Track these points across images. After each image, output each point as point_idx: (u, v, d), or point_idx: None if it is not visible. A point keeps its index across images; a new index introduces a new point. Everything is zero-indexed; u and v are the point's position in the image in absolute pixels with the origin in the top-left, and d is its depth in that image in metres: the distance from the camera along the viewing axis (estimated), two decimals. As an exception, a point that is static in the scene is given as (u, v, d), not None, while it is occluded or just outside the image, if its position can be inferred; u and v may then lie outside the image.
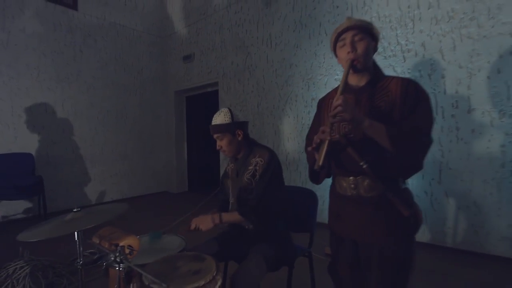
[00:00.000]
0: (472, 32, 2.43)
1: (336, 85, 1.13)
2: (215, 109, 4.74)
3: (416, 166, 1.00)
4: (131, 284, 0.98)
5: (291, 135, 3.69)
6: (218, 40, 4.58)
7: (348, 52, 1.08)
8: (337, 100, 0.98)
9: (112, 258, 0.96)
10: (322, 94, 3.32)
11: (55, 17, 4.23)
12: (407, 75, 2.76)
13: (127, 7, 5.11)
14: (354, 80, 1.14)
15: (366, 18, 2.99)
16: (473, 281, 2.02)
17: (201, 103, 5.64)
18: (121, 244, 1.00)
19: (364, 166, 1.02)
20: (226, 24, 4.45)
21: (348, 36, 1.10)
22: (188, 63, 5.12)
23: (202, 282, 0.98)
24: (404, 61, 2.78)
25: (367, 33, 1.10)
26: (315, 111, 1.51)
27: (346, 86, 1.10)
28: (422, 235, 2.70)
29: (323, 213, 3.12)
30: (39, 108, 4.07)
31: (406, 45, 2.77)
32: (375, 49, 1.14)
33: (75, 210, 1.33)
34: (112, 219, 1.23)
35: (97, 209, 1.42)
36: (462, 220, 2.52)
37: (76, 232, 1.33)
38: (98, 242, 1.09)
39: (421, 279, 2.04)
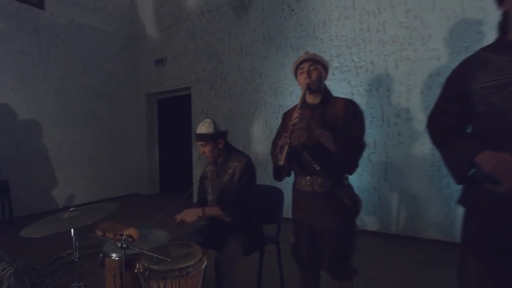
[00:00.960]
0: (410, 55, 2.93)
1: (300, 96, 1.46)
2: (187, 112, 4.91)
3: (354, 164, 1.36)
4: (134, 269, 1.20)
5: (260, 139, 4.01)
6: (191, 46, 4.75)
7: (305, 78, 1.41)
8: (296, 113, 1.30)
9: (119, 245, 1.17)
10: (288, 101, 3.68)
11: (20, 16, 4.12)
12: (360, 88, 3.21)
13: (96, 7, 5.07)
14: (310, 99, 1.47)
15: (326, 36, 3.41)
16: (412, 261, 2.48)
17: (173, 106, 5.75)
18: (124, 234, 1.21)
19: (317, 168, 1.34)
20: (199, 32, 4.64)
21: (305, 66, 1.43)
22: (160, 66, 5.22)
23: (192, 262, 1.23)
24: (358, 75, 3.23)
25: (319, 64, 1.44)
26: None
27: (303, 103, 1.42)
28: (372, 224, 3.16)
29: (289, 209, 3.48)
30: (1, 109, 3.94)
31: (359, 62, 3.22)
32: (326, 76, 1.48)
33: (71, 209, 1.50)
34: (107, 216, 1.43)
35: (90, 208, 1.59)
36: (403, 210, 3.01)
37: (72, 229, 1.51)
38: (101, 234, 1.28)
39: (372, 262, 2.45)
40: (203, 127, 1.67)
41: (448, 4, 2.75)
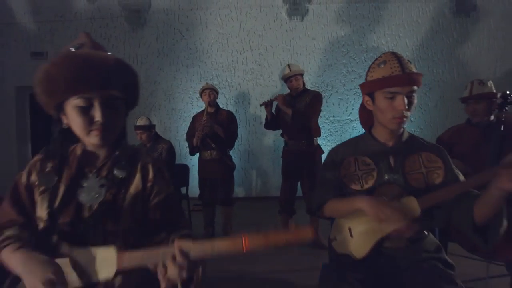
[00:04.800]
0: (261, 82, 4.65)
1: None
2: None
3: (231, 145, 2.73)
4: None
5: (155, 135, 4.87)
6: (80, 46, 4.94)
7: (208, 99, 2.65)
8: (204, 117, 2.52)
9: None
10: (180, 106, 4.73)
11: None
12: (231, 101, 4.69)
13: None
14: (209, 109, 2.72)
15: (208, 61, 4.70)
16: (268, 209, 4.12)
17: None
18: None
19: (213, 146, 2.61)
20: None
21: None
22: (38, 60, 5.03)
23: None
24: (230, 92, 4.70)
25: (300, 75, 2.68)
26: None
27: (207, 111, 2.65)
28: (240, 192, 4.70)
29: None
30: None
31: (231, 82, 4.70)
32: (217, 96, 2.78)
33: None
34: None
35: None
36: (259, 181, 4.71)
37: None
38: None
39: (244, 213, 3.90)
40: (142, 121, 2.61)
41: (281, 54, 4.62)
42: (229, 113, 2.92)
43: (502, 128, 1.75)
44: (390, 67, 0.98)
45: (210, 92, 2.72)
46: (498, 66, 4.62)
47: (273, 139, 4.62)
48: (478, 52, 4.63)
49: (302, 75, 2.75)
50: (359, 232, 1.03)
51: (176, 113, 4.74)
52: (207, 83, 2.84)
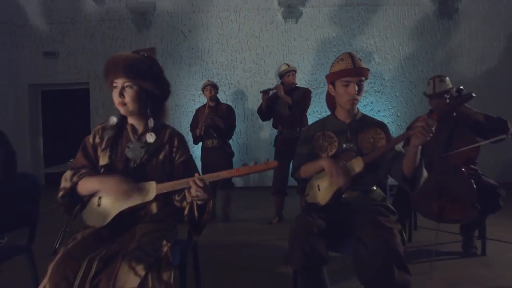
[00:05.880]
0: (258, 80, 4.99)
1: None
2: (81, 106, 5.38)
3: (230, 135, 3.09)
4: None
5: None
6: (90, 47, 5.30)
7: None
8: (206, 110, 2.87)
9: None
10: (182, 102, 5.08)
11: None
12: (231, 97, 5.04)
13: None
14: (211, 103, 3.08)
15: (209, 60, 5.05)
16: (266, 195, 4.47)
17: (62, 99, 5.88)
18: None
19: (215, 135, 2.97)
20: (99, 35, 5.28)
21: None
22: (51, 59, 5.37)
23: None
24: (229, 89, 5.05)
25: (295, 71, 3.07)
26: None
27: (208, 105, 3.01)
28: (239, 182, 5.05)
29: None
30: None
31: (230, 80, 5.05)
32: (217, 91, 3.13)
33: None
34: None
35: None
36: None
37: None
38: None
39: (243, 199, 4.25)
40: None
41: (277, 54, 4.98)
42: (228, 106, 3.28)
43: (454, 115, 2.11)
44: (345, 63, 1.34)
45: (211, 88, 3.08)
46: (478, 65, 4.98)
47: (269, 132, 4.97)
48: (460, 52, 4.98)
49: (296, 72, 3.12)
50: (324, 186, 1.39)
51: (179, 108, 5.09)
52: (208, 80, 3.20)
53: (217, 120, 3.01)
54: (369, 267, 1.05)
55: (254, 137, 5.06)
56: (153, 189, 1.08)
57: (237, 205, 3.71)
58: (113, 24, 5.25)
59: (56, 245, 2.18)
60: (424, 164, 1.24)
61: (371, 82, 5.00)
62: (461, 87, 2.18)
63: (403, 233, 1.23)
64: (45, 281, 0.86)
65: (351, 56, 1.36)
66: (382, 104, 5.03)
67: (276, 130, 3.25)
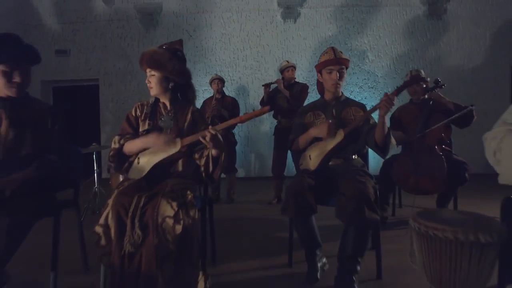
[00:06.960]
0: (259, 76, 5.31)
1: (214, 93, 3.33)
2: (93, 101, 5.69)
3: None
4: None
5: (166, 123, 5.54)
6: (100, 45, 5.62)
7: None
8: (214, 101, 3.19)
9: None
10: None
11: None
12: (233, 93, 5.36)
13: (-15, -11, 5.04)
14: (217, 96, 3.39)
15: (213, 58, 5.37)
16: (266, 185, 4.78)
17: (72, 94, 6.20)
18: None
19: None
20: (108, 34, 5.60)
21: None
22: (62, 56, 5.69)
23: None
24: (232, 85, 5.37)
25: (294, 67, 3.38)
26: None
27: (215, 98, 3.32)
28: (241, 173, 5.36)
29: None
30: None
31: (232, 77, 5.37)
32: (223, 85, 3.45)
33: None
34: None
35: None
36: (257, 162, 5.37)
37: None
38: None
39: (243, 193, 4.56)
40: None
41: (277, 52, 5.30)
42: (233, 99, 3.59)
43: (431, 103, 2.43)
44: (328, 55, 1.67)
45: (219, 82, 3.39)
46: (466, 63, 5.30)
47: (269, 126, 5.29)
48: (449, 51, 5.31)
49: (295, 68, 3.44)
50: (314, 155, 1.70)
51: (184, 103, 5.40)
52: (216, 74, 3.52)
53: (223, 111, 3.32)
54: (346, 208, 1.36)
55: (255, 130, 5.38)
56: (178, 141, 1.44)
57: (240, 191, 4.02)
58: (121, 24, 5.57)
59: (82, 218, 2.49)
60: (404, 145, 1.57)
61: (365, 79, 5.33)
62: (438, 78, 2.50)
63: (376, 189, 1.54)
64: (107, 210, 1.18)
65: (333, 49, 1.69)
66: (376, 99, 5.35)
67: (276, 121, 3.57)
